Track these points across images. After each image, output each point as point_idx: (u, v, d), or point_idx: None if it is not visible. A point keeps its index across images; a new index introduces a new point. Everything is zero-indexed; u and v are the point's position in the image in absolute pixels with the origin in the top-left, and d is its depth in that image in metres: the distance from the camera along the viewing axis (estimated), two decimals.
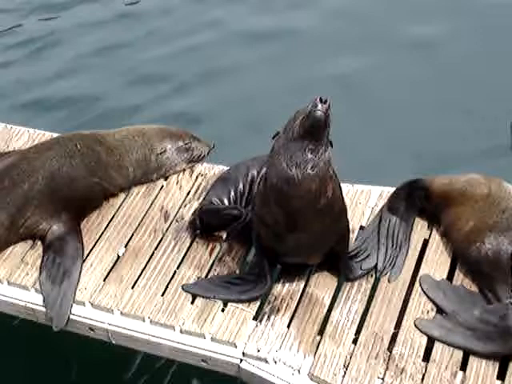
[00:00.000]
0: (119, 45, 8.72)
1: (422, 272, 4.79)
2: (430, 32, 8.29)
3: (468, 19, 8.38)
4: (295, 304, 4.67)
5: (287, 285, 4.76)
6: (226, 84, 7.96)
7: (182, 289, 4.75)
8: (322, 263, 4.79)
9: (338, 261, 4.74)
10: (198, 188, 5.43)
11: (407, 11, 8.64)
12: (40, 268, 4.91)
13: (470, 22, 8.33)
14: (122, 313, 4.70)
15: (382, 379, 4.28)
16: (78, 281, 4.83)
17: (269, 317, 4.61)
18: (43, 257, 4.96)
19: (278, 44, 8.42)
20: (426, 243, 4.98)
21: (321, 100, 4.06)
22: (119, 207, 5.33)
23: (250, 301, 4.67)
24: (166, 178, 5.52)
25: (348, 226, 4.71)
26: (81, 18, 9.23)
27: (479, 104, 7.35)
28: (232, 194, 5.09)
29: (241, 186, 5.11)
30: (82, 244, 5.01)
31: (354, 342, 4.48)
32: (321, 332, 4.54)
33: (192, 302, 4.70)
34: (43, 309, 4.76)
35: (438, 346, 4.40)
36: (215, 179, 5.35)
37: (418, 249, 4.95)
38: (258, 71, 8.09)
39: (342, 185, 4.53)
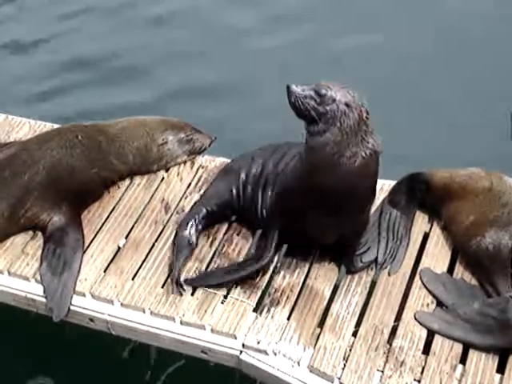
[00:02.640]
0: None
1: (422, 265, 4.80)
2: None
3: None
4: (295, 296, 4.68)
5: (287, 277, 4.77)
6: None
7: (184, 282, 4.73)
8: (324, 254, 4.82)
9: (345, 254, 4.76)
10: (199, 180, 5.43)
11: None
12: (40, 259, 4.91)
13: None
14: (122, 304, 4.70)
15: (382, 372, 4.29)
16: (79, 272, 4.83)
17: (269, 309, 4.61)
18: (43, 247, 4.96)
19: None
20: (426, 236, 4.98)
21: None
22: (120, 199, 5.32)
23: (249, 276, 4.69)
24: (166, 170, 5.52)
25: (368, 216, 4.73)
26: None
27: (478, 94, 7.34)
28: (234, 188, 5.05)
29: (243, 175, 5.06)
30: (83, 235, 5.00)
31: (354, 334, 4.48)
32: (321, 324, 4.55)
33: (192, 294, 4.70)
34: (43, 299, 4.76)
35: (437, 339, 4.41)
36: (220, 170, 5.33)
37: (419, 242, 4.95)
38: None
39: None
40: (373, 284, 4.74)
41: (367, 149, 4.25)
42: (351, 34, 8.23)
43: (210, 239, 5.01)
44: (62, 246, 4.92)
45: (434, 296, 4.62)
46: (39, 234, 5.07)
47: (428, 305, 4.59)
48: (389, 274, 4.76)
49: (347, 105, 4.17)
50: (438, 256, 4.85)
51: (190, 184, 5.42)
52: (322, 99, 4.16)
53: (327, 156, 4.23)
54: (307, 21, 8.46)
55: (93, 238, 5.07)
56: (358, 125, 4.21)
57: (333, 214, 4.44)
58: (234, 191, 5.02)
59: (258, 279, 4.76)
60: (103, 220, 5.18)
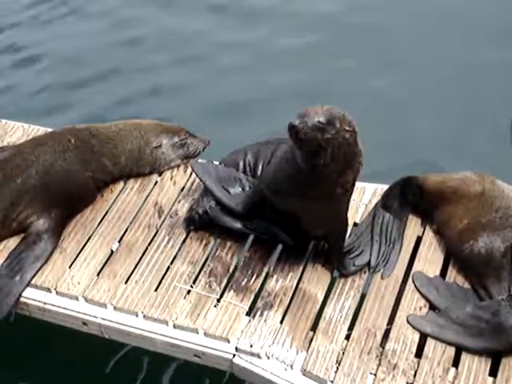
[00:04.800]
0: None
1: (414, 269, 4.80)
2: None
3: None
4: (288, 300, 4.68)
5: (280, 281, 4.77)
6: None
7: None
8: (317, 258, 4.84)
9: (331, 255, 4.78)
10: (192, 184, 5.42)
11: None
12: (9, 254, 4.92)
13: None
14: (115, 308, 4.69)
15: (375, 375, 4.29)
16: (29, 283, 4.79)
17: (262, 312, 4.61)
18: (17, 244, 4.97)
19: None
20: (419, 240, 4.99)
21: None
22: (113, 202, 5.32)
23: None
24: (160, 174, 5.52)
25: (346, 218, 4.72)
26: None
27: (478, 100, 7.35)
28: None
29: (241, 167, 5.11)
30: (54, 248, 4.96)
31: (347, 337, 4.48)
32: (314, 328, 4.55)
33: (185, 297, 4.70)
34: (37, 303, 4.77)
35: (430, 343, 4.41)
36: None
37: (412, 246, 4.96)
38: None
39: None
40: (366, 287, 4.75)
41: (358, 169, 4.29)
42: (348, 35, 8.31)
43: (204, 242, 5.02)
44: (29, 251, 4.90)
45: (427, 299, 4.63)
46: None
47: (421, 308, 4.60)
48: (382, 278, 4.77)
49: (349, 131, 4.09)
50: (430, 260, 4.86)
51: (183, 188, 5.43)
52: (325, 129, 4.01)
53: (328, 180, 4.25)
54: None
55: (86, 242, 5.06)
56: (356, 148, 4.21)
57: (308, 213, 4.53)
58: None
59: (251, 282, 4.77)
60: (96, 224, 5.18)
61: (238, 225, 4.91)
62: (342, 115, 4.09)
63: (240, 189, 4.97)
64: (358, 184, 5.21)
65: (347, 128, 4.08)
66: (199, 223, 5.05)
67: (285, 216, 4.64)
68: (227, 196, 4.94)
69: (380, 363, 4.33)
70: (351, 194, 4.52)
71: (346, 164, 4.20)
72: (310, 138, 4.00)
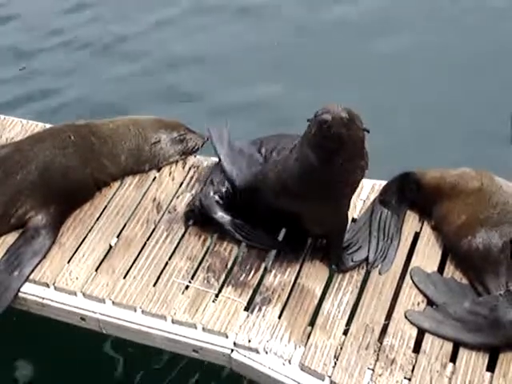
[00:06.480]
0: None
1: (412, 264, 4.81)
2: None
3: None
4: (286, 295, 4.69)
5: (279, 276, 4.78)
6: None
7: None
8: (315, 253, 4.85)
9: (329, 251, 4.79)
10: (191, 180, 5.43)
11: None
12: (7, 249, 4.93)
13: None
14: (113, 303, 4.70)
15: (373, 370, 4.30)
16: (27, 278, 4.80)
17: (260, 307, 4.62)
18: (16, 239, 4.98)
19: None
20: (417, 236, 5.00)
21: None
22: (112, 198, 5.33)
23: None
24: (158, 170, 5.52)
25: (347, 215, 4.72)
26: None
27: (478, 95, 7.37)
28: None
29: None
30: (53, 243, 4.97)
31: (345, 333, 4.49)
32: (312, 323, 4.56)
33: (183, 293, 4.71)
34: (36, 298, 4.77)
35: (428, 338, 4.42)
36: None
37: (409, 241, 4.97)
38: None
39: None
40: (364, 283, 4.75)
41: (365, 169, 4.31)
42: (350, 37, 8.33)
43: (202, 238, 5.02)
44: (27, 246, 4.91)
45: (425, 295, 4.63)
46: None
47: (419, 304, 4.61)
48: (380, 273, 4.78)
49: (363, 130, 4.15)
50: (428, 255, 4.87)
51: (181, 184, 5.43)
52: (349, 125, 4.04)
53: (340, 180, 4.27)
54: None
55: (85, 237, 5.07)
56: (365, 148, 4.24)
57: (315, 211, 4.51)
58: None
59: (249, 278, 4.78)
60: (95, 219, 5.19)
61: (227, 224, 4.92)
62: (357, 113, 4.14)
63: (245, 164, 4.96)
64: None
65: (362, 127, 4.14)
66: (196, 216, 5.05)
67: (284, 215, 4.65)
68: (230, 164, 4.95)
69: (378, 358, 4.34)
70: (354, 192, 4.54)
71: (357, 163, 4.23)
72: (339, 133, 4.04)
